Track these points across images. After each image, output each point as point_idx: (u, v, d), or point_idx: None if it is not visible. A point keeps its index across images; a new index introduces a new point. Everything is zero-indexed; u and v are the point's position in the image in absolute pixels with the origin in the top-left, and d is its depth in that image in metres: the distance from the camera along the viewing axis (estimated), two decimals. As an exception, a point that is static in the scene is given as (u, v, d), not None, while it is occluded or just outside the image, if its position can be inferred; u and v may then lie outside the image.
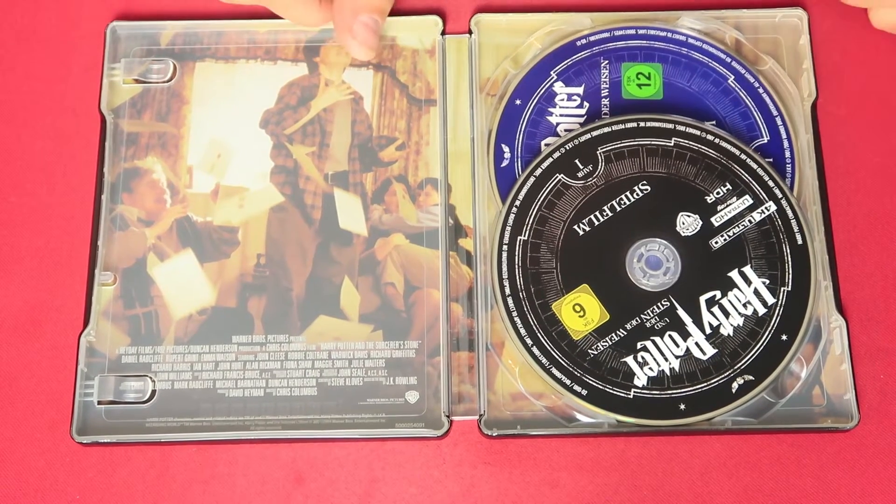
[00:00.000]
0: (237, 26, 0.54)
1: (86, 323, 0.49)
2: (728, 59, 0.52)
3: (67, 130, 0.53)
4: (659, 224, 0.49)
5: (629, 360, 0.46)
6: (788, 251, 0.48)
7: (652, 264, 0.48)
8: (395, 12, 0.54)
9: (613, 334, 0.47)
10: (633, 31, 0.53)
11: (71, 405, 0.47)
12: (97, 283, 0.49)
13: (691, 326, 0.47)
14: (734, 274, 0.48)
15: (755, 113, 0.51)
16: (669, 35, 0.53)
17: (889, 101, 0.52)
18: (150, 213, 0.51)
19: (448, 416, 0.47)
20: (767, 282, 0.48)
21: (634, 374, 0.46)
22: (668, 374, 0.46)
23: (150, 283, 0.50)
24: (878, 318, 0.49)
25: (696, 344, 0.47)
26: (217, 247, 0.50)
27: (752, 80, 0.52)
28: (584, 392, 0.46)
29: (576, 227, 0.49)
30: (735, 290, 0.48)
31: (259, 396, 0.48)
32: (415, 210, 0.51)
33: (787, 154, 0.51)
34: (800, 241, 0.48)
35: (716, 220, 0.49)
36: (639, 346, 0.47)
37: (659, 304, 0.47)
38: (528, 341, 0.47)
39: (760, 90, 0.52)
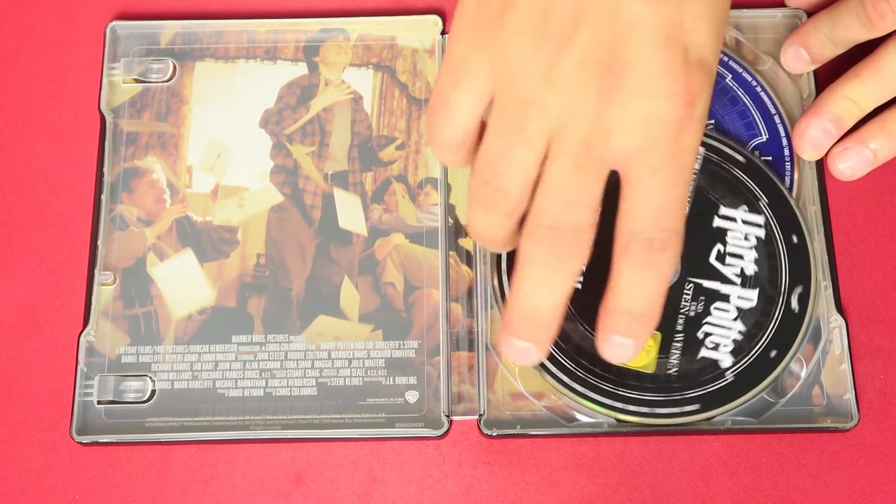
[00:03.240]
0: (237, 26, 0.54)
1: (85, 322, 0.49)
2: (725, 59, 0.52)
3: (67, 130, 0.53)
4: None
5: (704, 352, 0.47)
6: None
7: (652, 264, 0.48)
8: (394, 11, 0.54)
9: (673, 344, 0.47)
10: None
11: (71, 405, 0.47)
12: (97, 282, 0.49)
13: (725, 287, 0.47)
14: (717, 221, 0.48)
15: (754, 112, 0.51)
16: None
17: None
18: (150, 212, 0.51)
19: (448, 416, 0.47)
20: (747, 208, 0.48)
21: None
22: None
23: (150, 283, 0.49)
24: (878, 318, 0.49)
25: (739, 297, 0.47)
26: (217, 246, 0.50)
27: (749, 79, 0.52)
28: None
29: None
30: (729, 234, 0.48)
31: (259, 396, 0.48)
32: (414, 210, 0.51)
33: (787, 154, 0.51)
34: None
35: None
36: (700, 335, 0.47)
37: (685, 291, 0.47)
38: None
39: (759, 90, 0.52)
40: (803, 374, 0.47)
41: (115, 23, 0.53)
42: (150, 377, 0.48)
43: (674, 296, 0.47)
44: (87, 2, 0.55)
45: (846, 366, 0.47)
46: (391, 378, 0.48)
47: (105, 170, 0.51)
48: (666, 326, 0.47)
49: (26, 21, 0.55)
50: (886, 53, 0.47)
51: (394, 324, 0.49)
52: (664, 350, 0.47)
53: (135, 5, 0.55)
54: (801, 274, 0.48)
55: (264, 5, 0.55)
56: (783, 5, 0.53)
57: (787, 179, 0.50)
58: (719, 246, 0.48)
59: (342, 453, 0.47)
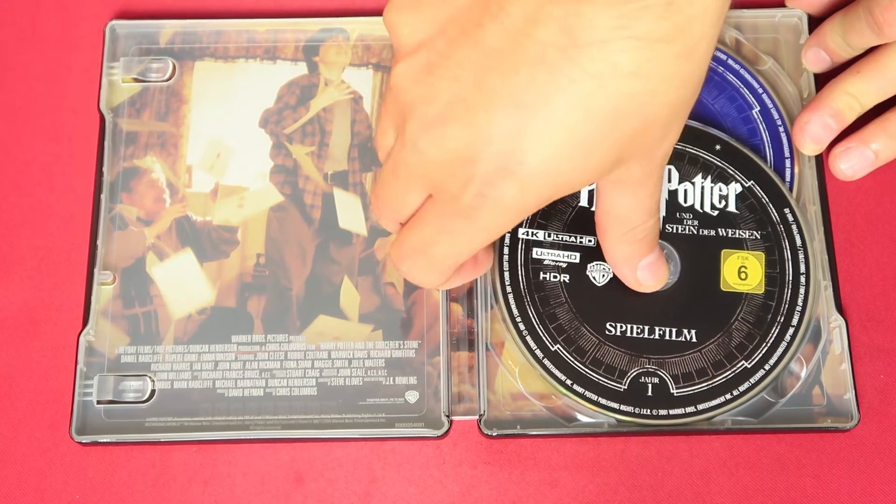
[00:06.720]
0: (236, 25, 0.54)
1: (85, 322, 0.48)
2: (735, 66, 0.52)
3: (67, 130, 0.53)
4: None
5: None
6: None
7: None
8: (394, 11, 0.54)
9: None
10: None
11: (70, 405, 0.47)
12: (96, 282, 0.49)
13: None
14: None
15: (755, 113, 0.51)
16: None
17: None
18: (150, 212, 0.51)
19: (448, 416, 0.47)
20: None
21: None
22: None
23: (150, 283, 0.49)
24: (878, 318, 0.49)
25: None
26: (216, 246, 0.50)
27: (757, 86, 0.52)
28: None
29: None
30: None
31: (259, 396, 0.48)
32: (414, 210, 0.51)
33: (787, 154, 0.51)
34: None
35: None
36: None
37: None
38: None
39: (761, 92, 0.52)
40: (803, 374, 0.47)
41: (114, 22, 0.53)
42: (150, 377, 0.48)
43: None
44: (87, 1, 0.55)
45: (846, 366, 0.47)
46: (391, 378, 0.48)
47: (104, 169, 0.51)
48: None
49: (26, 21, 0.55)
50: (889, 51, 0.48)
51: (394, 324, 0.49)
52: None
53: (134, 4, 0.55)
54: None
55: (264, 5, 0.55)
56: (783, 5, 0.53)
57: (788, 181, 0.50)
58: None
59: (342, 453, 0.47)
